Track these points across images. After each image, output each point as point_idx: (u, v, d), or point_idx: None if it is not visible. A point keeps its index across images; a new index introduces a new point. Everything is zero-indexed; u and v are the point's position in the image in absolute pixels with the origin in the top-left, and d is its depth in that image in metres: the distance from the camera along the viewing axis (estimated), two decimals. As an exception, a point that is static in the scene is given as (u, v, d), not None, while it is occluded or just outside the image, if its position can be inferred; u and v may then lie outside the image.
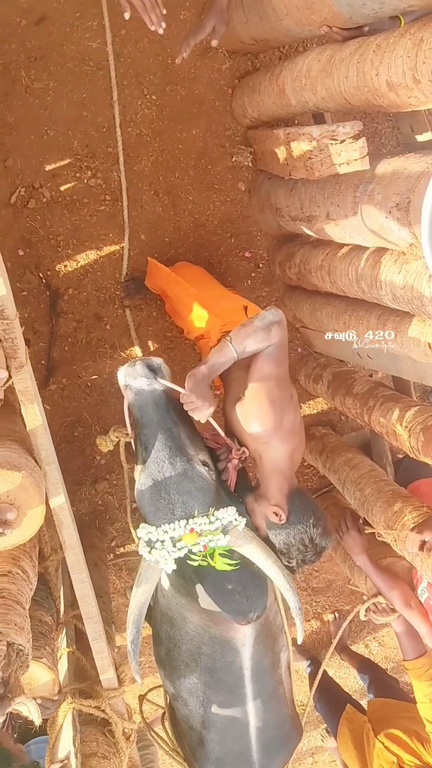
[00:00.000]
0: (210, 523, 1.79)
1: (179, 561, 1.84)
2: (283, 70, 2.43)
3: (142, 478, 1.85)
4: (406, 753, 2.64)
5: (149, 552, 1.80)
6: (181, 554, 1.80)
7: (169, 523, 1.79)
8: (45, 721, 1.96)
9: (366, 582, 2.87)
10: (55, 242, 3.09)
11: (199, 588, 1.95)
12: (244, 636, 2.03)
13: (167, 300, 2.86)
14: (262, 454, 1.97)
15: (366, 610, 2.80)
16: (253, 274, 3.38)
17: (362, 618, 2.82)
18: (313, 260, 2.77)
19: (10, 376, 1.70)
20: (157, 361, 1.91)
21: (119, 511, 3.55)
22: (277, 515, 1.90)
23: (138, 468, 1.90)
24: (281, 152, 2.62)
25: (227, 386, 2.15)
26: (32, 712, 1.58)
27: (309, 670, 3.82)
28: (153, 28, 2.11)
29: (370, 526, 2.77)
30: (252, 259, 3.35)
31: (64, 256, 3.12)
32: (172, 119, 3.05)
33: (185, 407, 1.88)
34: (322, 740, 4.16)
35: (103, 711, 2.10)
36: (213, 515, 1.80)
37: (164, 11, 2.11)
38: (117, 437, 2.04)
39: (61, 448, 3.28)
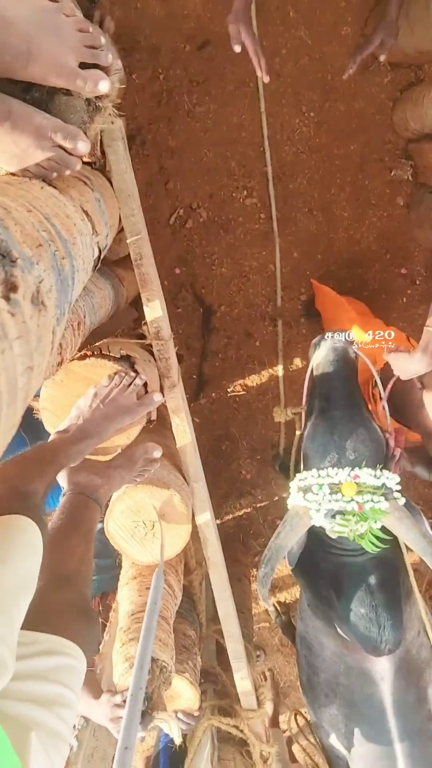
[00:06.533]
0: (375, 477, 1.72)
1: (316, 563, 1.77)
2: (449, 81, 2.32)
3: (316, 421, 1.86)
4: None
5: (303, 497, 1.76)
6: (335, 508, 1.72)
7: (333, 467, 1.75)
8: (184, 736, 1.99)
9: None
10: (210, 261, 3.16)
11: (333, 610, 1.89)
12: (383, 669, 1.94)
13: (325, 322, 2.83)
14: None
15: None
16: (408, 291, 3.25)
17: None
18: None
19: (163, 395, 1.76)
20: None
21: (263, 526, 3.56)
22: None
23: (312, 417, 1.91)
24: (445, 166, 2.50)
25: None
26: (173, 730, 1.61)
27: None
28: (259, 74, 2.14)
29: None
30: (408, 276, 3.22)
31: (217, 274, 3.19)
32: (329, 135, 3.02)
33: None
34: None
35: (241, 731, 2.09)
36: (380, 471, 1.74)
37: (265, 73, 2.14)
38: (293, 413, 2.13)
39: (208, 461, 3.34)
